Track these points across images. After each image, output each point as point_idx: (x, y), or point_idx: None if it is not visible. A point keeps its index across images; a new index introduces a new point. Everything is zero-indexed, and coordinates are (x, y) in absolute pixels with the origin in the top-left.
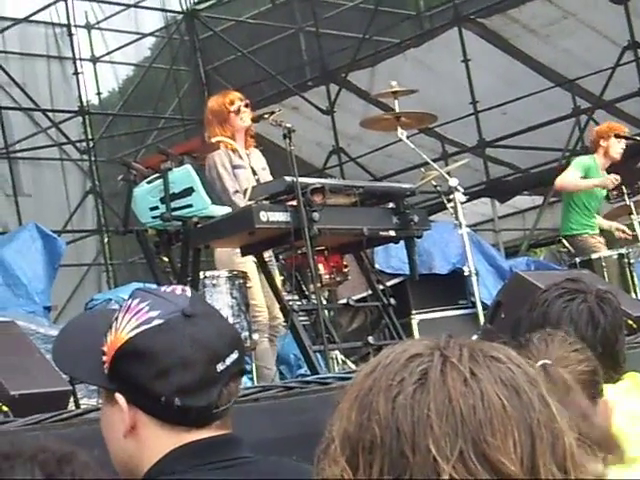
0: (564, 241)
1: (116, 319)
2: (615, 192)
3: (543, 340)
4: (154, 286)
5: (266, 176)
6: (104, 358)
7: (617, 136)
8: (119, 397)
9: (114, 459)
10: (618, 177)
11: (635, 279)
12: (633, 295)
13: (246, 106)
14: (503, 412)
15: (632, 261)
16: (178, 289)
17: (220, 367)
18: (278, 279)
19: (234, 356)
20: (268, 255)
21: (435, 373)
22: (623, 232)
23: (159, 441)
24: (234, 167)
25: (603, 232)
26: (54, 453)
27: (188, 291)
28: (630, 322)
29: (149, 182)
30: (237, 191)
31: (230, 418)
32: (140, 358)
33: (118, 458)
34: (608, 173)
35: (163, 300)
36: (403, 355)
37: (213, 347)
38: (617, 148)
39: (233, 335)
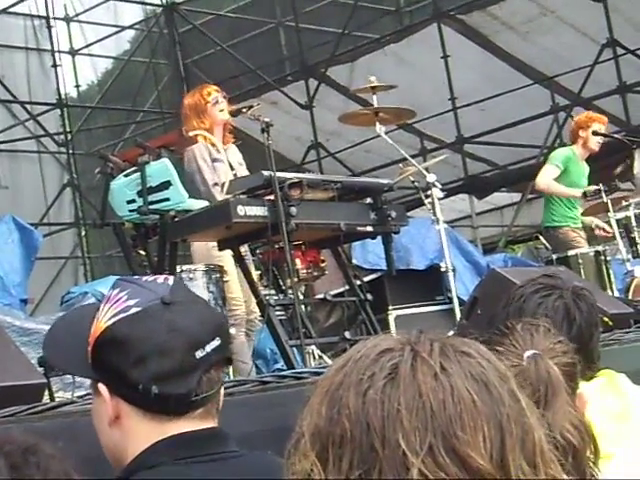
0: (541, 237)
1: (98, 309)
2: (592, 189)
3: (527, 330)
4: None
5: (243, 171)
6: (88, 348)
7: (595, 133)
8: (101, 387)
9: (104, 449)
10: (596, 187)
11: (611, 276)
12: (609, 292)
13: (224, 98)
14: (473, 407)
15: (609, 258)
16: (161, 278)
17: (199, 354)
18: (254, 274)
19: (215, 343)
20: (244, 250)
21: (405, 368)
22: (603, 230)
23: (142, 431)
24: (213, 160)
25: (584, 227)
26: (19, 445)
27: (171, 280)
28: (606, 319)
29: (126, 175)
30: (216, 184)
31: (217, 410)
32: (117, 346)
33: (106, 448)
34: (587, 164)
35: (142, 289)
36: (374, 350)
37: (192, 334)
38: (595, 139)
39: (215, 322)
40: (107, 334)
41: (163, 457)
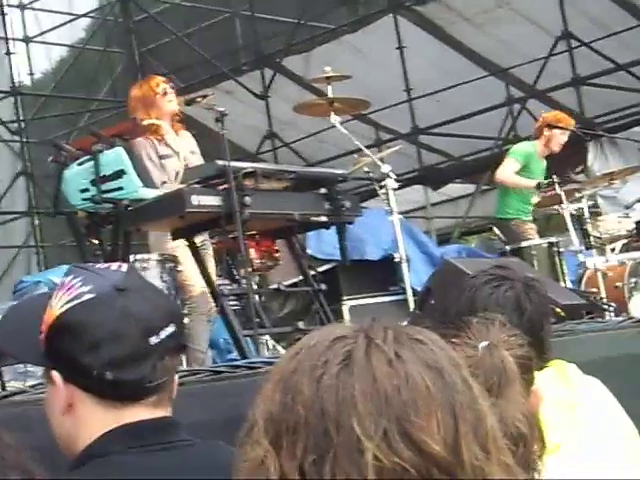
0: (495, 229)
1: (51, 297)
2: (545, 181)
3: (483, 323)
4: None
5: (195, 160)
6: (42, 336)
7: (550, 126)
8: (55, 374)
9: (57, 439)
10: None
11: (564, 268)
12: (562, 284)
13: (172, 89)
14: (427, 393)
15: (561, 250)
16: (114, 265)
17: (154, 340)
18: (213, 263)
19: (170, 329)
20: (203, 238)
21: (359, 354)
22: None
23: (95, 418)
24: (161, 157)
25: (536, 220)
26: None
27: (124, 267)
28: (558, 310)
29: (80, 164)
30: (165, 182)
31: (170, 398)
32: (71, 332)
33: (59, 437)
34: (546, 160)
35: (96, 276)
36: (327, 337)
37: (146, 320)
38: (559, 140)
39: (170, 309)
40: (61, 320)
41: (114, 446)
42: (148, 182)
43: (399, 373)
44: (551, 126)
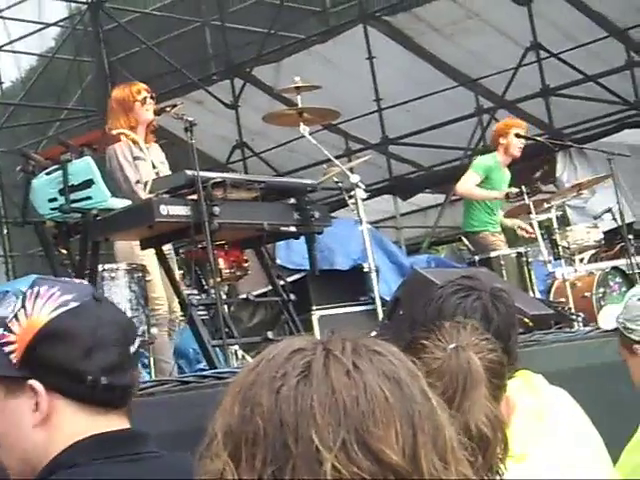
0: (464, 239)
1: (23, 307)
2: (514, 191)
3: (454, 327)
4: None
5: (165, 170)
6: (12, 348)
7: (517, 136)
8: (35, 384)
9: (11, 458)
10: (517, 190)
11: (533, 278)
12: (530, 294)
13: (152, 98)
14: (385, 403)
15: (530, 260)
16: (76, 280)
17: (132, 349)
18: (177, 273)
19: (137, 342)
20: (167, 248)
21: (318, 365)
22: (526, 231)
23: (74, 428)
24: (135, 158)
25: (505, 230)
26: None
27: (85, 282)
28: (526, 320)
29: (48, 173)
30: (138, 181)
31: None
32: (63, 339)
33: (20, 455)
34: (510, 169)
35: (71, 286)
36: (286, 350)
37: (125, 329)
38: (517, 145)
39: (134, 323)
40: (50, 327)
41: (82, 456)
42: (118, 189)
43: (357, 384)
44: (504, 134)
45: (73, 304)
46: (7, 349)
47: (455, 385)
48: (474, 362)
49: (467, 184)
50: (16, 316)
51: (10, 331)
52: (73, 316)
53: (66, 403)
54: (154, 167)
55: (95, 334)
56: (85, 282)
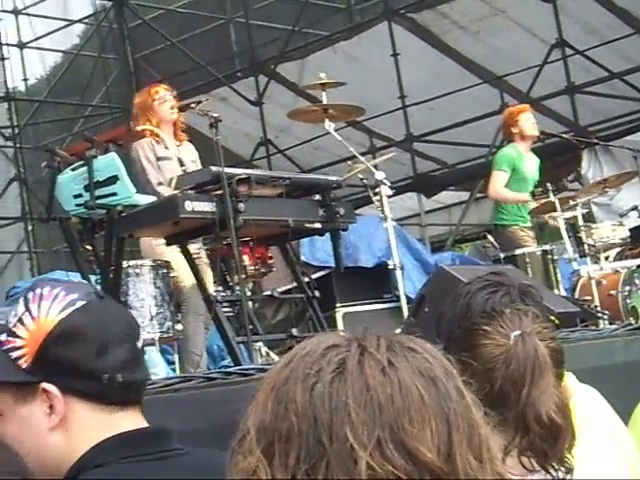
0: (489, 236)
1: (27, 310)
2: (540, 189)
3: (515, 313)
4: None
5: (195, 169)
6: (20, 352)
7: (543, 133)
8: (49, 387)
9: (32, 463)
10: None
11: (558, 275)
12: (556, 291)
13: (174, 97)
14: (420, 401)
15: (556, 257)
16: (73, 280)
17: (139, 344)
18: (209, 270)
19: (142, 339)
20: (197, 247)
21: (353, 362)
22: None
23: (91, 427)
24: (158, 159)
25: (532, 227)
26: None
27: (83, 282)
28: (552, 318)
29: (73, 169)
30: (161, 183)
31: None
32: (76, 338)
33: (38, 459)
34: (534, 152)
35: (73, 286)
36: (320, 346)
37: (132, 325)
38: (529, 124)
39: (135, 319)
40: (62, 328)
41: (111, 455)
42: (142, 188)
43: (392, 381)
44: (513, 123)
45: (80, 302)
46: (14, 354)
47: (523, 372)
48: (541, 350)
49: (495, 186)
50: (21, 320)
51: (16, 336)
52: (83, 314)
53: (82, 403)
54: (182, 165)
55: (107, 331)
56: (83, 282)
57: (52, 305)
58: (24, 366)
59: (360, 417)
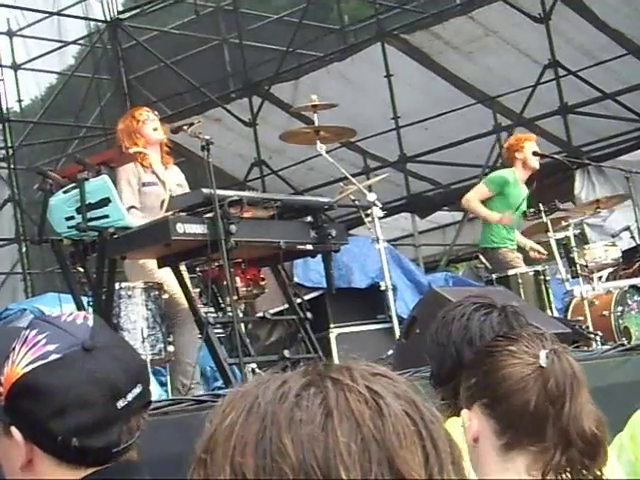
0: (481, 257)
1: (13, 349)
2: (532, 210)
3: (535, 335)
4: (55, 314)
5: (181, 192)
6: (1, 389)
7: (535, 154)
8: (15, 431)
9: None
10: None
11: (551, 296)
12: (548, 312)
13: (156, 117)
14: (407, 426)
15: (548, 278)
16: (80, 317)
17: (121, 404)
18: (194, 291)
19: (136, 391)
20: (182, 268)
21: (336, 400)
22: (538, 252)
23: (56, 476)
24: (143, 184)
25: (519, 249)
26: None
27: (90, 319)
28: None
29: (65, 192)
30: (134, 207)
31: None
32: (35, 395)
33: None
34: (527, 186)
35: (62, 332)
36: (285, 388)
37: (114, 383)
38: (534, 157)
39: (137, 368)
40: (24, 381)
41: None
42: None
43: (382, 411)
44: (518, 149)
45: (54, 356)
46: (0, 389)
47: (563, 388)
48: (576, 364)
49: (471, 196)
50: (8, 358)
51: (2, 372)
52: (50, 371)
53: (44, 454)
54: (167, 189)
55: (70, 392)
56: (90, 319)
57: (26, 354)
58: (2, 404)
59: (352, 456)
